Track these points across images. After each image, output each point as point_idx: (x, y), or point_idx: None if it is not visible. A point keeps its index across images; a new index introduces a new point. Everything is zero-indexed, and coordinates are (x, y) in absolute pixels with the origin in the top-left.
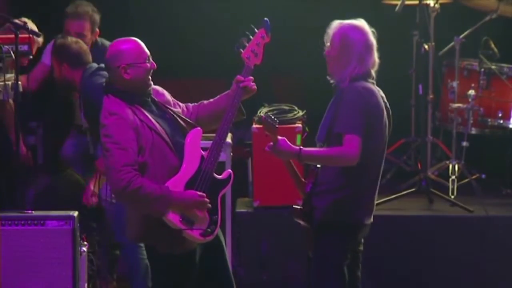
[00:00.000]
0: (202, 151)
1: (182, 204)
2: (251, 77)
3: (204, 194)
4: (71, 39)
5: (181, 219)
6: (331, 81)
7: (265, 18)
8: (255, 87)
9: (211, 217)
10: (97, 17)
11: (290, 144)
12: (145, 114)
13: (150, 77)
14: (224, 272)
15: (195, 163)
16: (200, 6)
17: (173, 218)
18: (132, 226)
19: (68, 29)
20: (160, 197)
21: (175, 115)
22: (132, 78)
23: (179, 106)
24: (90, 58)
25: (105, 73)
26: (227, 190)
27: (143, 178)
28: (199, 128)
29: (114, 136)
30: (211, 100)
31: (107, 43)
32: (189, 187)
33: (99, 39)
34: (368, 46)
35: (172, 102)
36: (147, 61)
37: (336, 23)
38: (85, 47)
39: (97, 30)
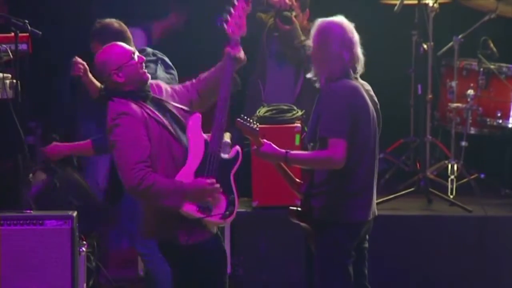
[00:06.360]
0: (204, 135)
1: (195, 194)
2: (239, 48)
3: (214, 180)
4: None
5: (198, 209)
6: (316, 83)
7: None
8: (245, 57)
9: (228, 198)
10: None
11: (275, 147)
12: (150, 109)
13: (144, 70)
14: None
15: (200, 149)
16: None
17: (190, 209)
18: (147, 222)
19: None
20: (174, 192)
21: (173, 110)
22: (126, 79)
23: (176, 92)
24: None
25: (151, 65)
26: (237, 167)
27: (155, 174)
28: (197, 113)
29: (126, 134)
30: (207, 73)
31: None
32: (198, 174)
33: None
34: (345, 42)
35: (170, 92)
36: (132, 58)
37: (316, 22)
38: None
39: None
